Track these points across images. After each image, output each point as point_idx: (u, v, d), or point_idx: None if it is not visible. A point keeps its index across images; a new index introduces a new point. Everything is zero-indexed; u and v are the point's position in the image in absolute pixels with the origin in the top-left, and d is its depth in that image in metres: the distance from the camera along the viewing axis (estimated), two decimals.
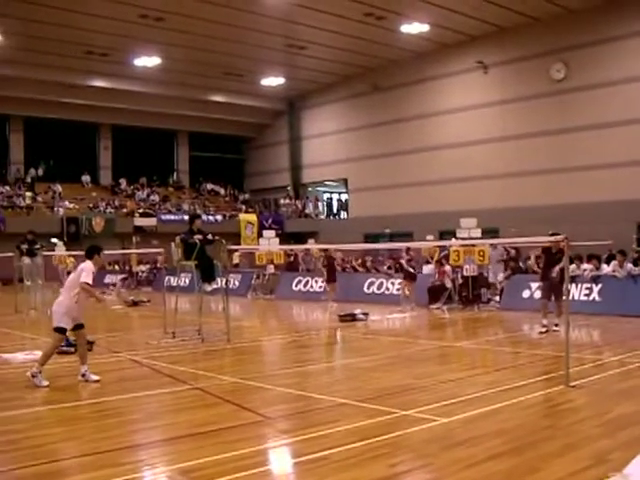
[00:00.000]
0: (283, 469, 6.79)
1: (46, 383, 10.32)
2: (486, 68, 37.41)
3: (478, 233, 22.35)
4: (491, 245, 22.11)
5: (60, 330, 10.70)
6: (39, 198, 43.09)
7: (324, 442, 7.17)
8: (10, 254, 24.27)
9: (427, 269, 24.92)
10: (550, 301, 16.07)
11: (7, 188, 43.12)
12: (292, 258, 31.14)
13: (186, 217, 36.78)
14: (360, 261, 28.78)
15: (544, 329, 15.76)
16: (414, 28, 35.45)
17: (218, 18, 32.91)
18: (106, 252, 12.16)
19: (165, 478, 6.47)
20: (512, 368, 12.06)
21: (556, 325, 15.83)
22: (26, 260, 23.45)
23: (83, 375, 10.70)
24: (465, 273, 22.52)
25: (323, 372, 12.14)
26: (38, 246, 23.76)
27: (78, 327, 10.85)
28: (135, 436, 7.86)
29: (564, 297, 11.57)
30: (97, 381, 10.67)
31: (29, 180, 44.95)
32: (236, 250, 30.39)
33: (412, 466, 6.54)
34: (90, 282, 10.63)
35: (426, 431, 7.62)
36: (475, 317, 20.49)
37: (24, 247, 23.39)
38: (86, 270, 10.72)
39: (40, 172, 45.79)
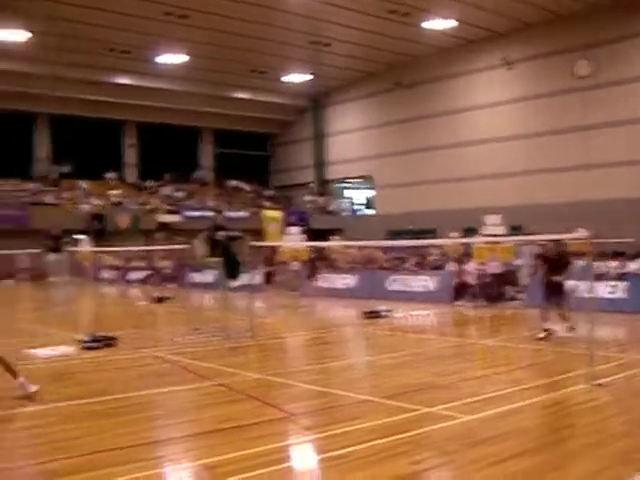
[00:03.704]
0: (306, 466, 6.81)
1: None
2: (510, 65, 37.28)
3: (502, 230, 22.28)
4: (525, 243, 21.97)
5: None
6: (65, 195, 43.37)
7: (347, 439, 7.18)
8: (36, 250, 24.47)
9: (452, 266, 24.86)
10: (550, 306, 14.89)
11: (33, 185, 43.44)
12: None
13: (210, 214, 37.00)
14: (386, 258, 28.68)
15: (543, 334, 14.55)
16: (438, 24, 35.43)
17: (243, 15, 33.01)
18: (130, 248, 12.23)
19: (189, 474, 6.52)
20: (535, 366, 12.03)
21: (570, 329, 14.43)
22: (51, 256, 23.61)
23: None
24: (489, 270, 22.46)
25: (346, 369, 12.14)
26: (63, 242, 23.91)
27: None
28: (159, 432, 7.92)
29: (587, 295, 11.41)
30: None
31: (55, 177, 45.26)
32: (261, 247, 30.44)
33: (434, 463, 6.54)
34: None
35: (448, 429, 7.60)
36: (499, 314, 20.40)
37: (49, 243, 23.56)
38: None
39: (66, 169, 46.05)
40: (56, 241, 23.82)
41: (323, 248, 30.32)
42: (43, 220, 35.14)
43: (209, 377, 10.71)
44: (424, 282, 24.67)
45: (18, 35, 35.41)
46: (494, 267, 22.29)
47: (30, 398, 9.12)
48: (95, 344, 13.69)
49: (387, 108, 44.67)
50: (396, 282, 25.27)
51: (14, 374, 9.33)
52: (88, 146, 47.06)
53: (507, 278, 22.82)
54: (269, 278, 29.12)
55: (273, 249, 29.55)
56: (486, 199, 35.21)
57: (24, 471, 6.66)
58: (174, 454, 7.06)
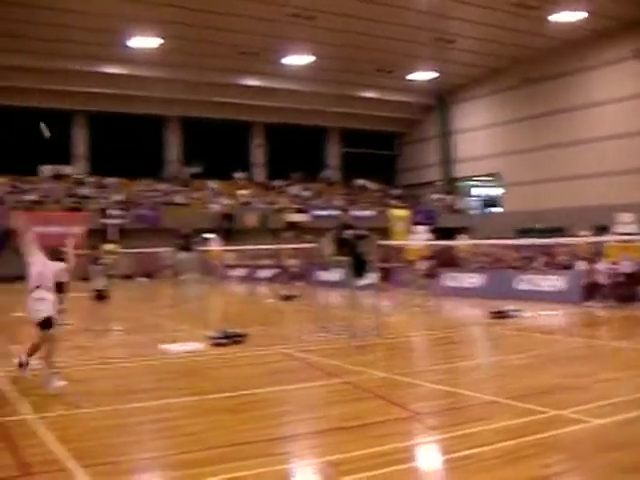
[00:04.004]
0: (431, 466, 6.78)
1: None
2: None
3: (635, 228, 21.62)
4: None
5: None
6: (195, 195, 44.48)
7: (473, 440, 7.12)
8: (168, 249, 25.19)
9: (582, 266, 24.26)
10: None
11: (165, 186, 44.74)
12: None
13: (337, 212, 37.26)
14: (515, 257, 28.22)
15: None
16: (565, 17, 34.67)
17: (368, 15, 33.16)
18: (259, 247, 12.43)
19: (313, 470, 6.60)
20: None
21: None
22: (182, 255, 24.23)
23: None
24: (621, 270, 21.83)
25: (473, 369, 12.02)
26: (193, 241, 24.51)
27: None
28: (285, 428, 8.02)
29: None
30: None
31: (185, 177, 46.48)
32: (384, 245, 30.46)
33: (566, 467, 6.40)
34: None
35: (579, 432, 7.43)
36: (631, 315, 19.78)
37: (180, 242, 24.19)
38: None
39: (196, 170, 47.21)
40: (186, 240, 24.41)
41: (449, 247, 30.09)
42: (174, 219, 36.22)
43: (336, 375, 10.81)
44: (553, 282, 24.14)
45: (150, 42, 36.56)
46: (626, 266, 21.64)
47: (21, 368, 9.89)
48: (224, 340, 14.00)
49: (513, 104, 44.09)
50: (524, 281, 24.83)
51: (32, 352, 9.91)
52: (217, 147, 48.16)
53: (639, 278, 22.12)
54: (389, 277, 29.07)
55: (396, 248, 29.51)
56: (616, 196, 34.27)
57: (154, 462, 6.87)
58: (299, 450, 7.17)
